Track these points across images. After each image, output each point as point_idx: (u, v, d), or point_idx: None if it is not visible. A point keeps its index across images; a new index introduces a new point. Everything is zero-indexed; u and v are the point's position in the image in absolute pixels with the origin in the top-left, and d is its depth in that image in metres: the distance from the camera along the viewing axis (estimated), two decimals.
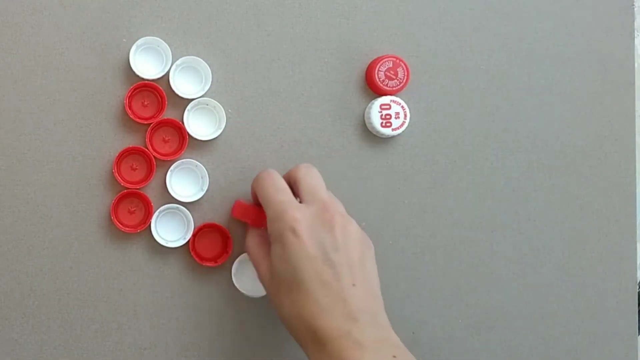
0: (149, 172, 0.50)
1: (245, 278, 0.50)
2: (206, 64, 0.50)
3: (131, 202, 0.50)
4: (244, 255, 0.51)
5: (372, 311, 0.40)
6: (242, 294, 0.50)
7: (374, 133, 0.53)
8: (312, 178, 0.44)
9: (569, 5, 0.56)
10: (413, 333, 0.53)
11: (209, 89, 0.51)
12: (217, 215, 0.51)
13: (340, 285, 0.39)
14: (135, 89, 0.50)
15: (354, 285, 0.40)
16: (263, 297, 0.51)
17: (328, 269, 0.40)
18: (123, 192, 0.50)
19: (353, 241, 0.42)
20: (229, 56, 0.52)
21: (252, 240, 0.47)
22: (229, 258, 0.51)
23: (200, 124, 0.51)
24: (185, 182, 0.51)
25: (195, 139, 0.50)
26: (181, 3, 0.51)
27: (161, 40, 0.50)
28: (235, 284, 0.50)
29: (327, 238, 0.41)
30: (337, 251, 0.40)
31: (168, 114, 0.51)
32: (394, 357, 0.37)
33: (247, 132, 0.52)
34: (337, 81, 0.53)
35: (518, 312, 0.55)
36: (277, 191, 0.43)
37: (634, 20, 0.57)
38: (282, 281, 0.41)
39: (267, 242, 0.45)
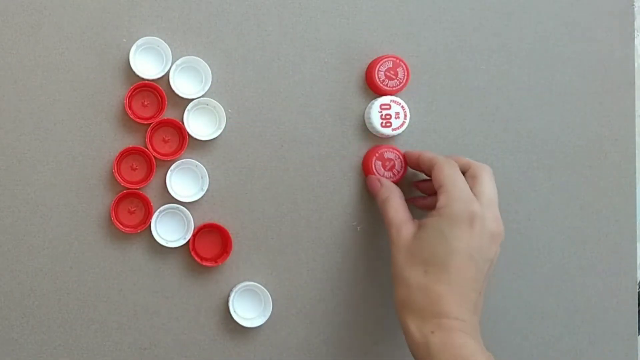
0: (149, 172, 0.50)
1: (242, 308, 0.51)
2: (206, 64, 0.50)
3: (131, 202, 0.50)
4: (242, 285, 0.51)
5: (478, 322, 0.44)
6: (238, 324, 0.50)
7: (374, 133, 0.53)
8: (494, 188, 0.46)
9: (569, 5, 0.56)
10: None
11: (209, 89, 0.51)
12: (217, 215, 0.51)
13: (475, 288, 0.43)
14: (135, 89, 0.50)
15: (480, 294, 0.44)
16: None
17: (475, 270, 0.43)
18: (123, 192, 0.50)
19: (494, 264, 0.46)
20: (229, 56, 0.52)
21: (398, 200, 0.48)
22: (229, 258, 0.51)
23: (200, 124, 0.51)
24: (185, 182, 0.51)
25: (195, 139, 0.50)
26: (181, 3, 0.51)
27: (161, 40, 0.50)
28: (232, 314, 0.50)
29: (489, 249, 0.44)
30: (487, 263, 0.44)
31: (168, 114, 0.51)
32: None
33: (247, 132, 0.52)
34: (337, 81, 0.53)
35: (518, 312, 0.55)
36: (462, 181, 0.46)
37: (634, 20, 0.57)
38: (427, 251, 0.43)
39: (407, 207, 0.48)
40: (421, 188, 0.52)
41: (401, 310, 0.44)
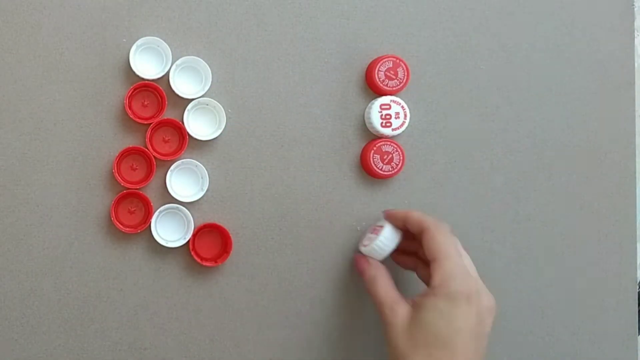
0: (149, 172, 0.50)
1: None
2: (206, 64, 0.50)
3: (131, 202, 0.50)
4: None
5: None
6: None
7: (374, 133, 0.53)
8: (467, 255, 0.46)
9: (569, 5, 0.56)
10: None
11: (209, 89, 0.51)
12: (217, 215, 0.51)
13: None
14: (135, 89, 0.50)
15: None
16: (258, 299, 0.51)
17: (477, 347, 0.42)
18: (123, 192, 0.50)
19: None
20: (229, 56, 0.52)
21: (386, 279, 0.47)
22: (229, 258, 0.51)
23: (200, 124, 0.51)
24: (185, 182, 0.51)
25: (195, 139, 0.50)
26: (181, 3, 0.51)
27: (161, 40, 0.50)
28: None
29: (487, 324, 0.43)
30: (486, 339, 0.43)
31: (168, 114, 0.51)
32: None
33: (247, 132, 0.52)
34: (337, 81, 0.53)
35: (518, 312, 0.55)
36: (461, 255, 0.45)
37: (634, 20, 0.57)
38: (429, 333, 0.42)
39: (395, 286, 0.47)
40: (400, 262, 0.51)
41: None
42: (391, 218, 0.49)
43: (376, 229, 0.49)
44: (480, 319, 0.42)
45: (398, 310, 0.44)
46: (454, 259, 0.44)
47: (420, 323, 0.42)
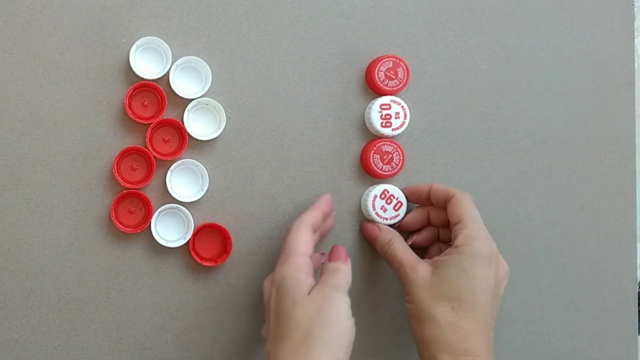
0: (149, 172, 0.50)
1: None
2: (206, 64, 0.50)
3: (131, 202, 0.50)
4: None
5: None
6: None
7: (374, 133, 0.53)
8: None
9: (569, 5, 0.56)
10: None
11: (209, 89, 0.51)
12: (217, 215, 0.51)
13: (492, 325, 0.45)
14: (135, 89, 0.50)
15: (493, 330, 0.45)
16: (258, 299, 0.51)
17: (494, 307, 0.45)
18: (123, 192, 0.50)
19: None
20: (229, 56, 0.52)
21: (402, 242, 0.49)
22: (229, 258, 0.51)
23: (200, 124, 0.51)
24: (185, 182, 0.51)
25: (195, 139, 0.50)
26: (181, 3, 0.51)
27: (161, 40, 0.50)
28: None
29: (502, 287, 0.46)
30: (499, 301, 0.46)
31: (168, 114, 0.51)
32: None
33: (247, 132, 0.52)
34: (337, 81, 0.53)
35: (518, 312, 0.55)
36: (479, 217, 0.47)
37: (634, 20, 0.57)
38: (452, 288, 0.44)
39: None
40: (417, 243, 0.52)
41: (431, 347, 0.43)
42: (414, 194, 0.51)
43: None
44: (498, 280, 0.45)
45: (419, 268, 0.45)
46: (478, 223, 0.46)
47: (442, 278, 0.44)
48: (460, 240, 0.45)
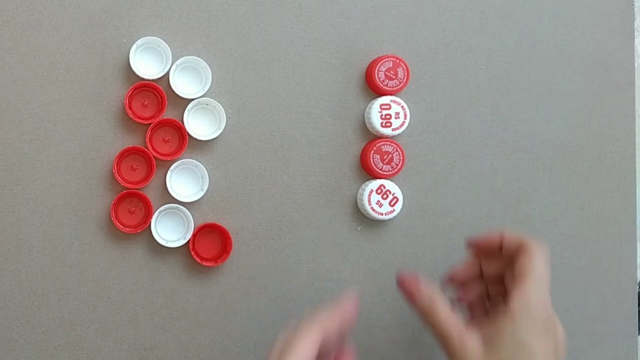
0: (149, 172, 0.50)
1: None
2: (206, 64, 0.50)
3: (131, 202, 0.50)
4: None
5: None
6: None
7: (374, 133, 0.53)
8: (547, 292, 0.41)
9: (569, 5, 0.56)
10: (413, 333, 0.53)
11: (209, 89, 0.51)
12: (217, 215, 0.51)
13: None
14: (135, 89, 0.50)
15: None
16: (258, 299, 0.51)
17: None
18: (123, 192, 0.50)
19: None
20: (229, 56, 0.52)
21: (444, 302, 0.41)
22: (229, 258, 0.51)
23: (200, 124, 0.51)
24: (185, 182, 0.51)
25: (195, 139, 0.50)
26: (181, 3, 0.51)
27: (161, 40, 0.50)
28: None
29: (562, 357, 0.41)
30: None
31: (168, 114, 0.51)
32: None
33: (247, 132, 0.52)
34: (337, 81, 0.53)
35: None
36: (546, 278, 0.41)
37: (634, 20, 0.57)
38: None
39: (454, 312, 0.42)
40: (464, 302, 0.46)
41: None
42: (484, 247, 0.45)
43: None
44: (557, 352, 0.39)
45: (468, 342, 0.39)
46: (542, 283, 0.40)
47: (497, 356, 0.38)
48: (516, 302, 0.39)
